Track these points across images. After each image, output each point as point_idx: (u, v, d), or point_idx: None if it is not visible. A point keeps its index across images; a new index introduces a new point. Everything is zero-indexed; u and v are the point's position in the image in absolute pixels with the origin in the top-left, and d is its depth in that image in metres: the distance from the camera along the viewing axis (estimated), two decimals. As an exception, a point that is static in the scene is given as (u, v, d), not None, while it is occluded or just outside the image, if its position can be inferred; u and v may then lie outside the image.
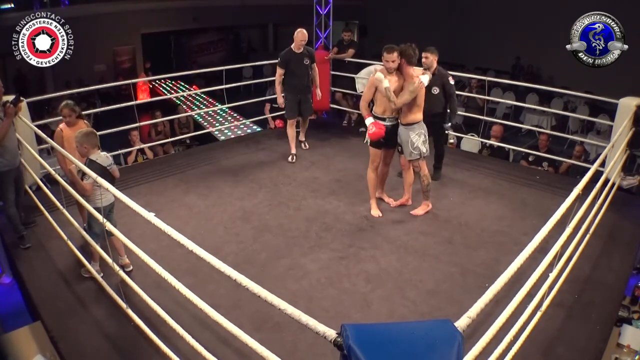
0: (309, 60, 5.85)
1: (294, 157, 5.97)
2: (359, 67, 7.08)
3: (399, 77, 4.29)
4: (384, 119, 4.36)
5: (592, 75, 6.37)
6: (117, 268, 3.07)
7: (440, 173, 5.53)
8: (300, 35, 5.75)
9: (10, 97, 4.08)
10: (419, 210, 4.67)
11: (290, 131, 6.01)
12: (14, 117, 4.06)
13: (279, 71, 5.83)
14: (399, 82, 4.28)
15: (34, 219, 4.43)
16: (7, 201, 4.17)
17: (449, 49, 14.77)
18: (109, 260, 3.09)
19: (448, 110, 5.26)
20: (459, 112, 8.83)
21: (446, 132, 5.51)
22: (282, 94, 6.01)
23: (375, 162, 4.54)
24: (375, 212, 4.64)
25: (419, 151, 4.39)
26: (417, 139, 4.36)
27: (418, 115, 4.35)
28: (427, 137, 4.47)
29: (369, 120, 4.33)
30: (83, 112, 4.16)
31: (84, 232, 3.55)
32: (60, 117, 4.05)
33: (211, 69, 7.70)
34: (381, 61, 4.30)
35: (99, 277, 3.50)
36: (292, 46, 5.80)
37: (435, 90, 5.05)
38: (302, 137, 6.35)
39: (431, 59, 5.01)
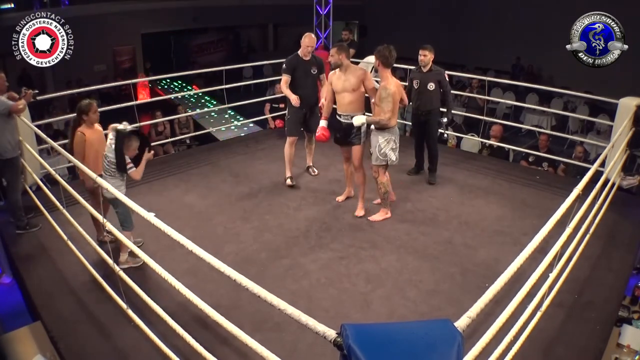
0: (317, 70, 5.19)
1: (293, 180, 5.27)
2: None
3: (346, 73, 4.36)
4: (339, 115, 4.53)
5: (592, 75, 6.37)
6: (117, 268, 3.07)
7: (435, 176, 5.41)
8: (307, 40, 5.09)
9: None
10: (377, 216, 4.54)
11: (289, 150, 5.24)
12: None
13: (285, 78, 5.10)
14: (346, 78, 4.35)
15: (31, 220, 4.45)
16: (16, 189, 4.37)
17: (449, 49, 14.81)
18: (109, 260, 3.09)
19: (444, 110, 5.31)
20: (459, 112, 8.90)
21: (442, 127, 5.44)
22: (288, 105, 5.26)
23: (342, 155, 4.83)
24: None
25: (386, 157, 4.29)
26: (385, 144, 4.26)
27: (391, 120, 4.22)
28: (397, 144, 4.32)
29: (320, 123, 4.64)
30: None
31: (89, 240, 3.55)
32: (57, 118, 4.07)
33: (211, 69, 7.70)
34: None
35: (132, 263, 3.61)
36: (298, 52, 5.15)
37: (432, 86, 5.13)
38: (309, 162, 5.62)
39: (429, 56, 5.11)
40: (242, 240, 4.23)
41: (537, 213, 4.50)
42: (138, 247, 3.62)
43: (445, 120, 5.32)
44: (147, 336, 2.89)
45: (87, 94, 11.08)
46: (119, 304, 3.14)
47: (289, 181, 5.25)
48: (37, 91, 4.48)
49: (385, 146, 4.27)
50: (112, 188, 2.92)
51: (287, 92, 5.07)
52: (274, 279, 3.66)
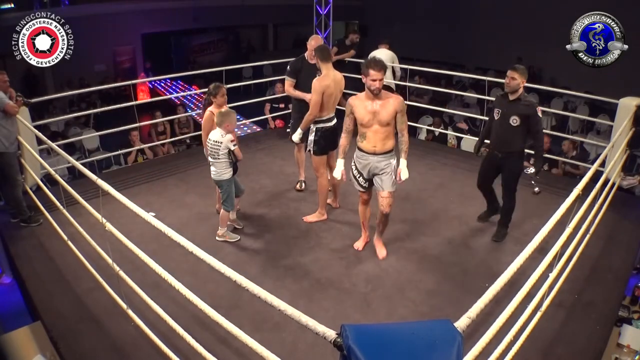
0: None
1: (302, 186, 5.17)
2: (358, 67, 7.08)
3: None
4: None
5: (592, 75, 6.36)
6: (117, 268, 3.07)
7: (503, 233, 4.25)
8: (314, 42, 4.77)
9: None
10: (382, 252, 3.96)
11: (298, 154, 5.12)
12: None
13: (289, 82, 4.89)
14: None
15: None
16: (15, 183, 4.42)
17: (449, 49, 14.84)
18: (109, 260, 3.09)
19: (530, 151, 4.46)
20: (459, 112, 8.88)
21: (532, 182, 4.84)
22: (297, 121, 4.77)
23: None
24: None
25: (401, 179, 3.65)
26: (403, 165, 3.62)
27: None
28: None
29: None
30: (82, 112, 4.23)
31: (89, 240, 3.56)
32: (56, 119, 4.05)
33: (211, 69, 7.70)
34: None
35: (228, 238, 4.14)
36: (305, 54, 4.89)
37: (515, 121, 3.94)
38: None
39: (518, 80, 3.98)
40: (242, 240, 4.23)
41: (537, 213, 4.50)
42: (238, 228, 4.37)
43: (532, 170, 4.22)
44: (147, 336, 2.89)
45: (88, 94, 11.14)
46: (119, 304, 3.14)
47: (298, 185, 5.20)
48: (30, 101, 4.64)
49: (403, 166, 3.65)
50: (107, 186, 2.91)
51: (297, 93, 4.82)
52: (274, 279, 3.66)
